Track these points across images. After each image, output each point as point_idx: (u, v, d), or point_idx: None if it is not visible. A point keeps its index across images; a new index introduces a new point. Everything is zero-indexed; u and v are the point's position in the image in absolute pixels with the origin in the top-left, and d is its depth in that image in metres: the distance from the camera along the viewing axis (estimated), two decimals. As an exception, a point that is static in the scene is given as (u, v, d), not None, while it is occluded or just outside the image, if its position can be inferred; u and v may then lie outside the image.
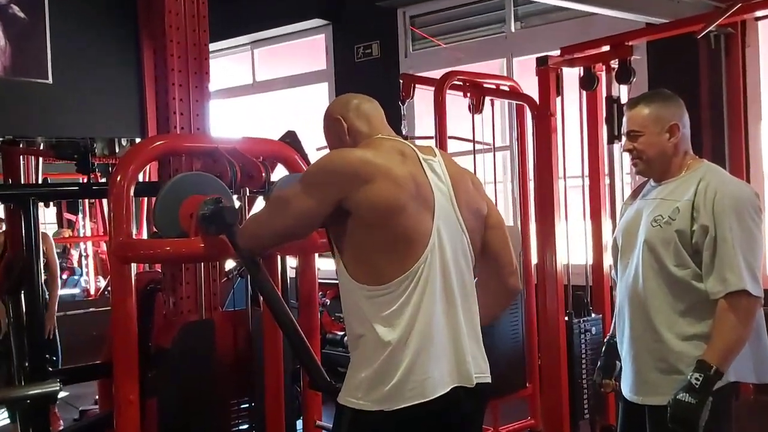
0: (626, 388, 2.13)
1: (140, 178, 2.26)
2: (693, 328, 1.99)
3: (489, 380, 1.78)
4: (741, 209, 1.97)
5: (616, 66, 3.19)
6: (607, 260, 3.33)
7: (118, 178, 1.99)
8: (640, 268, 2.05)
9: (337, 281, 1.75)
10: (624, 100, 3.26)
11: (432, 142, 3.66)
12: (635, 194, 2.23)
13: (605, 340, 2.36)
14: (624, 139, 2.13)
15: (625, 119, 2.13)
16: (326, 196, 1.67)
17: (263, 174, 2.17)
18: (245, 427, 2.34)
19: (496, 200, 4.08)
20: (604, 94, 3.30)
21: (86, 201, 6.60)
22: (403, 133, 3.81)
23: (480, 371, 1.75)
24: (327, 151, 1.87)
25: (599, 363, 2.33)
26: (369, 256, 1.66)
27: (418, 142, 5.47)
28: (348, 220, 1.67)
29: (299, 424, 2.46)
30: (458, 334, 1.72)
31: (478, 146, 3.89)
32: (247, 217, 2.00)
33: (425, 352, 1.65)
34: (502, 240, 1.87)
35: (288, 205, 1.72)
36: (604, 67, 3.28)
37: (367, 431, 1.68)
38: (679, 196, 2.03)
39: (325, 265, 4.09)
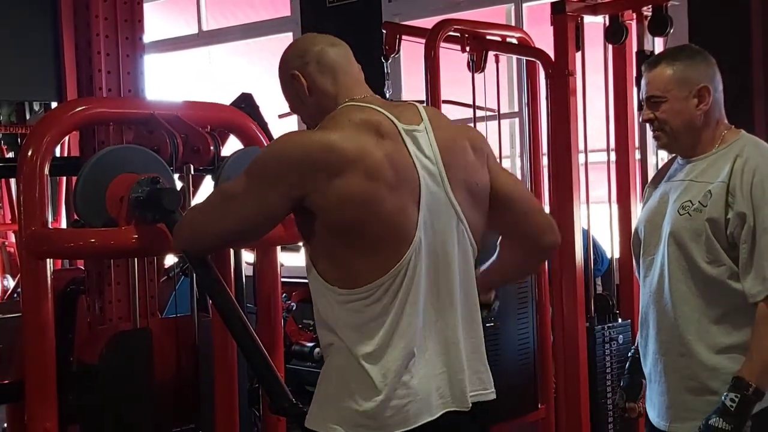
0: (652, 412, 2.17)
1: (58, 152, 2.25)
2: (729, 337, 2.02)
3: (491, 397, 1.80)
4: None
5: (650, 14, 3.21)
6: (637, 254, 3.37)
7: (30, 153, 1.98)
8: (666, 267, 2.08)
9: (305, 280, 1.75)
10: (659, 55, 3.29)
11: (422, 108, 3.65)
12: (660, 175, 2.26)
13: (629, 354, 2.40)
14: (644, 106, 2.15)
15: (644, 83, 2.14)
16: (281, 194, 1.64)
17: (211, 147, 2.17)
18: (190, 460, 2.36)
19: (501, 180, 4.09)
20: (635, 49, 3.32)
21: (-11, 181, 6.54)
22: (387, 96, 3.80)
23: (478, 388, 1.77)
24: (292, 118, 1.87)
25: (622, 382, 2.38)
26: (340, 256, 1.67)
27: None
28: (313, 220, 1.66)
29: (258, 456, 2.49)
30: (451, 346, 1.73)
31: (479, 113, 3.90)
32: (186, 211, 1.97)
33: (408, 369, 1.66)
34: (519, 190, 1.89)
35: (233, 204, 1.70)
36: (634, 15, 3.30)
37: None
38: (711, 177, 2.04)
39: (289, 260, 4.09)
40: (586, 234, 3.55)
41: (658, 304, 2.10)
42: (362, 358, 1.65)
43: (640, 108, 3.33)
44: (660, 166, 3.44)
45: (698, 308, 2.03)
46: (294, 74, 1.76)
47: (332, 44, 1.79)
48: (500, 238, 1.95)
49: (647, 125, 3.28)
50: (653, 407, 2.16)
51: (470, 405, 1.74)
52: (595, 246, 4.25)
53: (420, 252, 1.67)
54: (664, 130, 2.10)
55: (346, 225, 1.63)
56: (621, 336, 3.44)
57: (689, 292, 2.04)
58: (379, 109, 1.72)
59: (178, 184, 2.19)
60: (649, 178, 3.45)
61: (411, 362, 1.67)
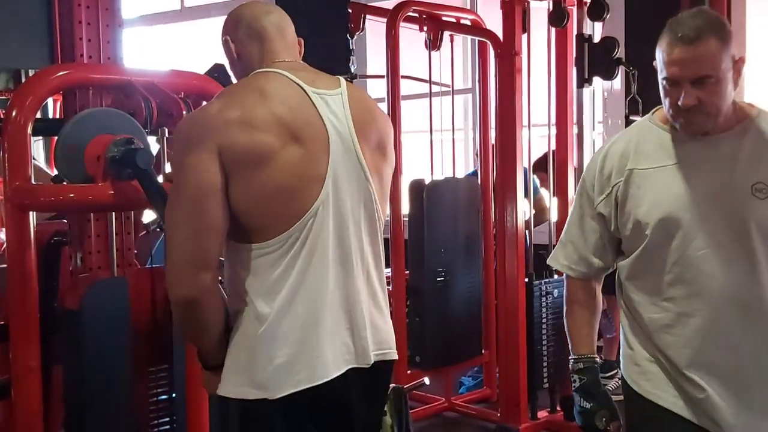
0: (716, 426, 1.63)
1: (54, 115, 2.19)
2: None
3: (392, 357, 1.69)
4: None
5: (589, 0, 3.18)
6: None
7: (14, 113, 1.93)
8: (753, 261, 1.58)
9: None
10: (597, 39, 3.27)
11: (383, 82, 3.62)
12: (651, 153, 1.66)
13: (581, 366, 1.77)
14: (666, 87, 1.56)
15: (678, 59, 1.53)
16: (209, 158, 1.48)
17: (184, 112, 2.12)
18: (165, 397, 2.33)
19: (454, 150, 4.09)
20: (575, 32, 3.30)
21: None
22: (352, 71, 3.75)
23: (380, 347, 1.65)
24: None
25: (591, 405, 1.75)
26: (247, 211, 1.52)
27: (369, 81, 5.37)
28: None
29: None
30: (355, 304, 1.61)
31: (435, 88, 3.87)
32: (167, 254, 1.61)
33: (315, 325, 1.55)
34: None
35: (186, 196, 1.50)
36: (575, 2, 3.28)
37: (251, 427, 1.56)
38: None
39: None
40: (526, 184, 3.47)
41: (744, 306, 1.60)
42: (269, 313, 1.52)
43: (579, 85, 3.32)
44: (596, 140, 3.45)
45: None
46: (225, 40, 1.67)
47: (267, 12, 1.67)
48: None
49: (589, 101, 3.30)
50: (721, 422, 1.62)
51: (371, 362, 1.63)
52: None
53: (327, 205, 1.55)
54: (707, 113, 1.56)
55: (245, 169, 1.49)
56: (556, 290, 3.46)
57: None
58: (284, 73, 1.59)
59: (155, 147, 2.14)
60: (585, 151, 3.46)
61: (321, 317, 1.55)
